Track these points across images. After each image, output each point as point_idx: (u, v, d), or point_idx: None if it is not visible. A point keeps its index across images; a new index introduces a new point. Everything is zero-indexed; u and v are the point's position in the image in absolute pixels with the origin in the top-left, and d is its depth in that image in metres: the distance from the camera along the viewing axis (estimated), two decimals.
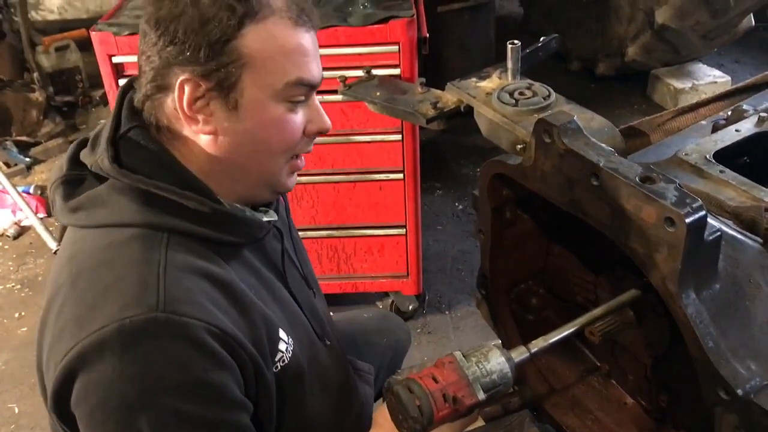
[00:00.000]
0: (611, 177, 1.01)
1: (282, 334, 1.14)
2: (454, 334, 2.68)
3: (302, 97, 1.10)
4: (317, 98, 1.17)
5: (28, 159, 4.12)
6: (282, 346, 1.13)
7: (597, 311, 1.18)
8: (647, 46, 4.07)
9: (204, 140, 1.07)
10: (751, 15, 4.06)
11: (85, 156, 1.10)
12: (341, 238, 2.46)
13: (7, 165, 3.99)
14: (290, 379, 1.16)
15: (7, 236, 3.55)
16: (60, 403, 0.98)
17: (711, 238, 0.96)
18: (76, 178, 1.11)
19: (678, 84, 4.19)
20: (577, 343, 1.52)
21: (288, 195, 1.41)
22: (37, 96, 4.22)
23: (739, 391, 0.94)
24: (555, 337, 1.16)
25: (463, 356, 1.07)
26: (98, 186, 1.07)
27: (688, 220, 0.91)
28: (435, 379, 1.03)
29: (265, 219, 1.17)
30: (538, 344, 1.14)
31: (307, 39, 1.09)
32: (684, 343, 1.04)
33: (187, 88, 1.03)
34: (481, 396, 1.04)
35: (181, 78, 1.02)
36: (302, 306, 1.27)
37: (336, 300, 2.47)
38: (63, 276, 1.04)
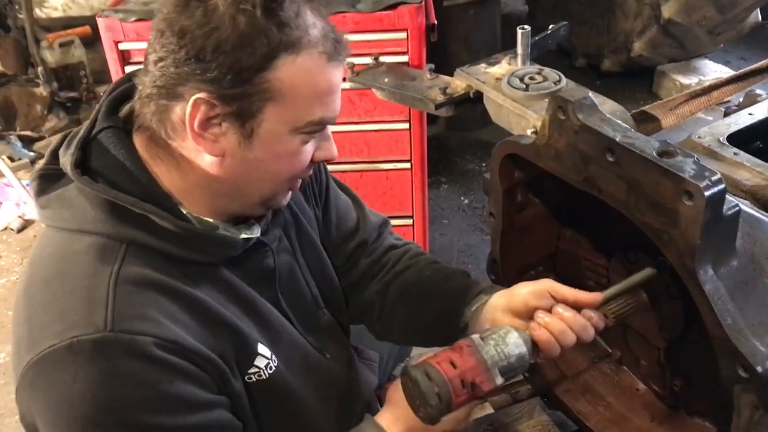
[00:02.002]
0: (628, 152, 1.00)
1: (262, 349, 1.12)
2: None
3: (319, 132, 1.07)
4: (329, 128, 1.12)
5: (32, 153, 4.11)
6: (260, 362, 1.11)
7: (611, 291, 1.16)
8: (653, 42, 4.05)
9: (208, 160, 1.02)
10: (758, 10, 4.04)
11: (61, 153, 1.06)
12: None
13: (11, 159, 3.99)
14: (272, 394, 1.14)
15: (11, 229, 3.54)
16: (29, 424, 0.99)
17: (730, 213, 0.95)
18: (54, 173, 1.06)
19: (684, 80, 4.17)
20: None
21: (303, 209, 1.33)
22: (42, 91, 4.21)
23: (759, 368, 0.93)
24: None
25: (481, 339, 1.04)
26: (71, 185, 1.03)
27: (707, 193, 0.90)
28: (453, 364, 1.01)
29: (242, 236, 1.11)
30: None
31: (338, 75, 1.04)
32: (698, 326, 1.03)
33: (201, 108, 0.97)
34: (500, 381, 1.02)
35: (197, 96, 0.96)
36: (295, 323, 1.23)
37: None
38: (23, 281, 1.04)
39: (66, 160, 1.02)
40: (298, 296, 1.25)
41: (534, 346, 1.07)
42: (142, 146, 1.05)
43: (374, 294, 1.41)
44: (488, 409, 1.63)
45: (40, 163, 1.10)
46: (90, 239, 1.00)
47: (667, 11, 3.82)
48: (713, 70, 4.23)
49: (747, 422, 0.98)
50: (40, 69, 4.29)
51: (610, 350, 1.47)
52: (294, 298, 1.24)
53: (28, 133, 4.16)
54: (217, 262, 1.09)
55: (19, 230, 3.53)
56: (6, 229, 3.56)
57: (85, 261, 0.98)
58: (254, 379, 1.11)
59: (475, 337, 1.05)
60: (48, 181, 1.07)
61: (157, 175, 1.04)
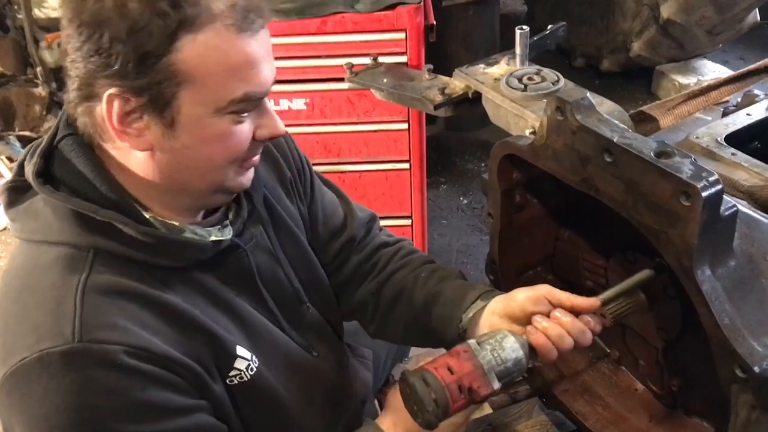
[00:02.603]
0: (625, 152, 1.00)
1: (241, 351, 1.10)
2: None
3: (249, 109, 1.01)
4: (268, 102, 1.06)
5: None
6: (241, 364, 1.10)
7: (607, 293, 1.16)
8: (652, 42, 4.05)
9: (139, 156, 0.99)
10: (757, 11, 4.05)
11: (26, 164, 1.03)
12: None
13: (10, 159, 3.99)
14: (254, 396, 1.13)
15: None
16: None
17: (727, 213, 0.95)
18: (23, 186, 1.04)
19: (683, 80, 4.17)
20: None
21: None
22: (41, 91, 4.21)
23: (756, 369, 0.93)
24: None
25: (478, 344, 1.04)
26: (37, 197, 1.02)
27: (704, 194, 0.90)
28: (450, 370, 1.00)
29: (212, 239, 1.08)
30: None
31: (255, 45, 0.97)
32: (697, 325, 1.03)
33: (115, 103, 0.93)
34: (497, 386, 1.02)
35: (109, 92, 0.92)
36: (281, 320, 1.22)
37: None
38: None
39: (29, 170, 1.01)
40: (280, 293, 1.23)
41: (531, 350, 1.07)
42: (104, 155, 1.02)
43: (367, 294, 1.40)
44: (487, 410, 1.64)
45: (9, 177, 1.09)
46: (57, 250, 0.98)
47: (665, 11, 3.83)
48: (712, 70, 4.24)
49: (744, 422, 0.98)
50: (39, 69, 4.29)
51: (608, 350, 1.47)
52: (276, 295, 1.22)
53: (27, 133, 4.16)
54: (186, 266, 1.06)
55: None
56: (5, 229, 3.57)
57: (53, 272, 0.97)
58: (236, 382, 1.10)
59: (472, 342, 1.04)
60: (17, 193, 1.05)
61: (120, 180, 1.02)
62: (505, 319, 1.15)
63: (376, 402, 1.63)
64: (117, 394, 0.93)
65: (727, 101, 1.64)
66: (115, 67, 0.90)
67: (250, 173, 1.10)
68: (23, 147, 4.11)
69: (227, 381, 1.09)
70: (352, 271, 1.41)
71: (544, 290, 1.13)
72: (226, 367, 1.08)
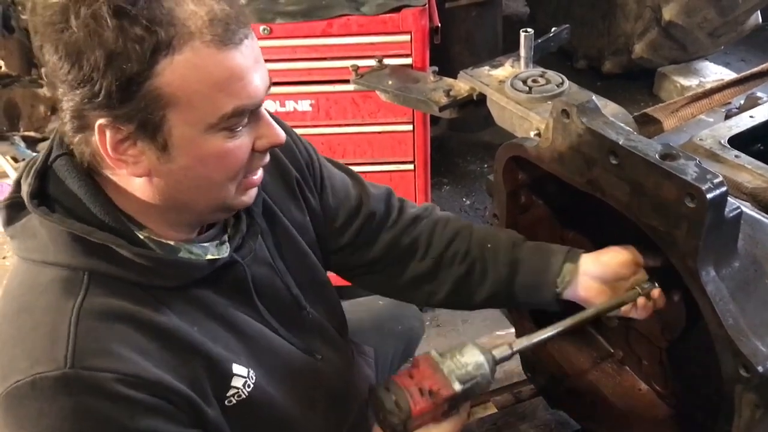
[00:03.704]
0: (631, 155, 1.01)
1: (237, 369, 1.09)
2: (462, 326, 2.68)
3: (244, 123, 0.99)
4: (265, 111, 1.04)
5: (35, 154, 4.09)
6: (237, 382, 1.09)
7: (587, 312, 1.20)
8: (654, 44, 4.06)
9: (137, 182, 0.98)
10: (758, 13, 4.06)
11: (22, 183, 1.01)
12: None
13: (15, 160, 4.01)
14: (253, 412, 1.12)
15: None
16: None
17: (731, 214, 0.97)
18: (20, 202, 1.02)
19: (685, 82, 4.18)
20: (591, 330, 1.52)
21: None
22: (45, 92, 4.22)
23: (760, 368, 0.94)
24: (539, 336, 1.17)
25: (439, 354, 1.09)
26: (33, 214, 1.00)
27: (709, 195, 0.91)
28: (411, 376, 1.05)
29: (208, 257, 1.07)
30: (521, 342, 1.15)
31: (239, 57, 0.94)
32: (701, 325, 1.04)
33: (107, 133, 0.91)
34: (458, 387, 1.05)
35: (99, 122, 0.91)
36: (279, 329, 1.21)
37: (345, 291, 2.46)
38: None
39: (24, 190, 1.00)
40: (279, 303, 1.22)
41: (493, 358, 1.10)
42: (98, 175, 1.01)
43: (424, 272, 1.37)
44: (492, 409, 1.65)
45: (7, 194, 1.07)
46: (53, 271, 0.98)
47: (667, 13, 3.84)
48: (714, 72, 4.25)
49: (748, 421, 0.99)
50: (43, 70, 4.30)
51: (612, 350, 1.49)
52: (274, 305, 1.21)
53: (32, 133, 4.17)
54: (183, 285, 1.05)
55: None
56: None
57: (49, 295, 0.97)
58: (234, 402, 1.09)
59: (433, 351, 1.09)
60: (15, 209, 1.04)
61: (115, 200, 1.01)
62: (600, 282, 1.23)
63: None
64: (108, 422, 0.93)
65: (730, 103, 1.65)
66: (100, 98, 0.89)
67: (254, 191, 1.09)
68: (28, 147, 4.12)
69: (225, 402, 1.08)
70: (387, 248, 1.38)
71: (632, 254, 1.21)
72: (223, 388, 1.07)
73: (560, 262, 1.27)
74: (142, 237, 1.02)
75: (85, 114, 0.91)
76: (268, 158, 1.07)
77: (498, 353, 1.10)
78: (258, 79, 0.97)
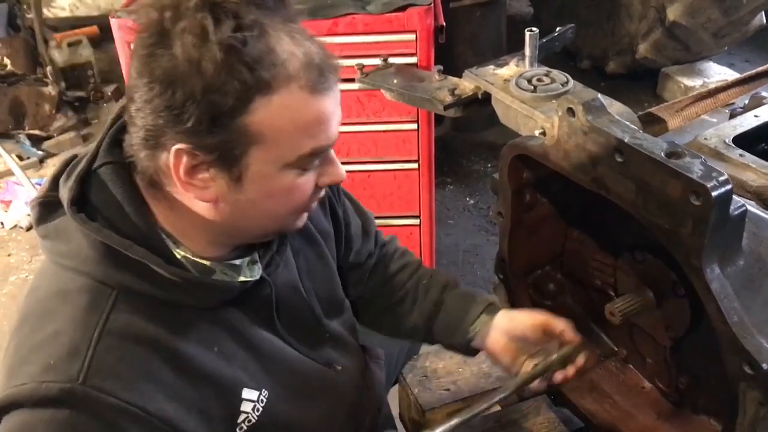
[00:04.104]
0: (636, 153, 1.01)
1: (247, 393, 1.08)
2: None
3: (316, 163, 1.01)
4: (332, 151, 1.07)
5: (40, 152, 4.14)
6: (246, 407, 1.08)
7: (536, 370, 1.26)
8: (658, 44, 4.07)
9: (201, 206, 0.99)
10: (763, 13, 4.06)
11: (61, 183, 1.02)
12: None
13: (20, 158, 4.03)
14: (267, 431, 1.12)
15: (20, 227, 3.58)
16: None
17: (736, 212, 0.97)
18: (54, 201, 1.03)
19: (688, 82, 4.19)
20: (594, 328, 1.52)
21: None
22: (50, 90, 4.25)
23: (764, 365, 0.95)
24: (463, 416, 1.19)
25: None
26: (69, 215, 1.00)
27: (714, 193, 0.92)
28: None
29: (240, 279, 1.07)
30: (442, 424, 1.17)
31: (327, 103, 0.97)
32: (704, 324, 1.05)
33: (184, 158, 0.92)
34: None
35: (177, 147, 0.91)
36: (300, 345, 1.21)
37: None
38: (20, 310, 1.02)
39: (64, 194, 0.99)
40: (299, 319, 1.22)
41: None
42: (142, 186, 1.01)
43: (374, 289, 1.47)
44: (495, 406, 1.65)
45: (41, 189, 1.07)
46: (83, 281, 0.98)
47: (671, 13, 3.84)
48: (717, 73, 4.25)
49: (752, 419, 0.99)
50: (48, 68, 4.32)
51: (616, 348, 1.49)
52: (295, 322, 1.20)
53: (37, 131, 4.20)
54: (211, 307, 1.06)
55: (28, 228, 3.56)
56: (15, 227, 3.59)
57: (76, 305, 0.96)
58: (245, 428, 1.09)
59: None
60: (48, 208, 1.03)
61: (156, 214, 1.01)
62: (508, 338, 1.31)
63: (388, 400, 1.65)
64: None
65: (734, 103, 1.66)
66: (187, 125, 0.89)
67: (305, 216, 1.10)
68: (33, 145, 4.14)
69: (237, 430, 1.08)
70: (358, 279, 1.48)
71: (544, 319, 1.28)
72: (234, 415, 1.07)
73: (478, 311, 1.36)
74: (178, 256, 1.02)
75: (162, 135, 0.92)
76: (322, 193, 1.09)
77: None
78: (336, 122, 1.01)
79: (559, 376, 1.27)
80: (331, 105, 0.98)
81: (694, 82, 4.17)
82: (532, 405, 1.57)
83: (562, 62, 4.44)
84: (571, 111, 1.11)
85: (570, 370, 1.27)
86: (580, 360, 1.27)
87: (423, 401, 1.63)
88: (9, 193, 3.71)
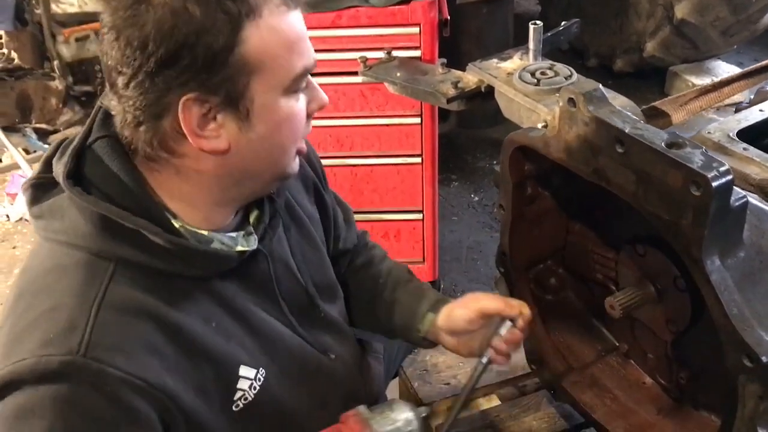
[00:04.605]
0: (637, 143, 1.00)
1: (244, 371, 1.08)
2: None
3: (305, 84, 1.04)
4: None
5: (47, 146, 4.16)
6: (243, 384, 1.08)
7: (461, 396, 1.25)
8: (666, 42, 4.05)
9: (212, 162, 1.00)
10: None
11: (54, 162, 1.02)
12: (358, 221, 2.46)
13: (27, 151, 4.05)
14: (260, 413, 1.12)
15: (26, 220, 3.60)
16: None
17: (737, 204, 0.96)
18: (47, 182, 1.03)
19: (697, 80, 4.17)
20: (595, 323, 1.52)
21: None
22: (57, 85, 4.26)
23: (764, 358, 0.94)
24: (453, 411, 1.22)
25: (369, 409, 1.12)
26: (63, 194, 1.00)
27: (714, 184, 0.91)
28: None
29: (238, 248, 1.08)
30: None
31: (299, 19, 1.01)
32: (705, 319, 1.04)
33: (193, 108, 0.93)
34: None
35: (185, 98, 0.92)
36: (297, 327, 1.21)
37: None
38: (12, 290, 1.01)
39: (59, 170, 1.00)
40: (295, 298, 1.23)
41: (420, 415, 1.14)
42: (138, 161, 1.02)
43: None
44: (495, 401, 1.65)
45: (34, 171, 1.08)
46: (79, 255, 0.97)
47: (680, 12, 3.82)
48: (726, 71, 4.23)
49: (752, 412, 0.99)
50: (55, 63, 4.33)
51: (617, 343, 1.48)
52: (291, 300, 1.21)
53: (44, 125, 4.22)
54: (210, 277, 1.06)
55: None
56: (21, 219, 3.61)
57: (72, 279, 0.96)
58: (241, 406, 1.09)
59: (362, 407, 1.13)
60: (41, 190, 1.04)
61: (153, 186, 1.02)
62: (454, 336, 1.32)
63: (387, 395, 1.64)
64: (94, 422, 0.92)
65: (741, 102, 1.64)
66: (189, 73, 0.91)
67: (298, 160, 1.12)
68: (39, 139, 4.16)
69: (233, 407, 1.08)
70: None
71: (477, 307, 1.28)
72: (230, 392, 1.07)
73: (424, 310, 1.36)
74: (177, 225, 1.02)
75: (164, 97, 0.93)
76: (311, 127, 1.11)
77: (424, 410, 1.16)
78: (309, 42, 1.03)
79: (503, 348, 1.26)
80: (303, 23, 1.02)
81: (703, 81, 4.14)
82: (533, 400, 1.57)
83: (569, 60, 4.39)
84: (572, 101, 1.10)
85: (516, 334, 1.28)
86: (521, 323, 1.27)
87: (423, 395, 1.63)
88: (15, 187, 3.73)
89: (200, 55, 0.90)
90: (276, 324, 1.17)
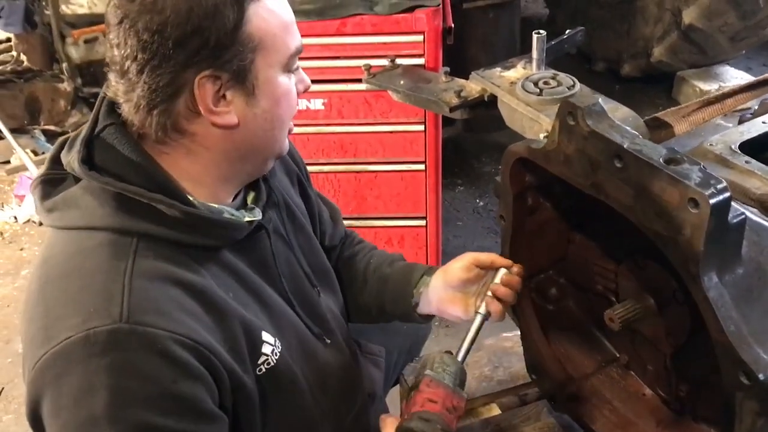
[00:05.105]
0: (635, 158, 1.00)
1: (266, 336, 1.12)
2: None
3: (296, 66, 1.12)
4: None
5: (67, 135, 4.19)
6: (266, 349, 1.12)
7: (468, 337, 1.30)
8: (673, 47, 4.03)
9: (223, 137, 1.06)
10: None
11: (63, 155, 1.07)
12: (361, 228, 2.47)
13: (35, 153, 4.07)
14: (278, 381, 1.15)
15: (33, 222, 3.62)
16: (37, 421, 0.98)
17: (735, 221, 0.95)
18: (56, 178, 1.08)
19: (704, 86, 4.14)
20: (596, 333, 1.51)
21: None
22: (66, 87, 4.29)
23: (761, 376, 0.93)
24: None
25: (432, 371, 1.16)
26: (74, 186, 1.05)
27: (712, 201, 0.91)
28: (433, 401, 1.12)
29: (247, 219, 1.14)
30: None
31: (289, 7, 1.10)
32: (705, 332, 1.03)
33: (207, 85, 1.01)
34: (465, 395, 1.15)
35: (200, 76, 1.00)
36: (296, 306, 1.25)
37: None
38: (34, 282, 1.04)
39: (72, 159, 1.04)
40: (293, 277, 1.27)
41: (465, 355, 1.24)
42: (147, 145, 1.07)
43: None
44: (495, 411, 1.65)
45: (41, 169, 1.12)
46: (101, 235, 1.01)
47: (687, 17, 3.80)
48: (734, 77, 4.20)
49: (748, 429, 0.98)
50: (64, 65, 4.36)
51: (617, 354, 1.48)
52: (291, 279, 1.25)
53: (52, 127, 4.24)
54: (223, 246, 1.10)
55: (41, 223, 3.60)
56: (29, 221, 3.63)
57: (99, 256, 0.99)
58: (264, 370, 1.12)
59: (429, 372, 1.16)
60: (51, 185, 1.08)
61: (164, 167, 1.06)
62: (448, 289, 1.36)
63: (386, 401, 1.64)
64: (151, 382, 0.95)
65: (749, 108, 1.63)
66: (205, 51, 0.98)
67: (287, 141, 1.20)
68: (48, 141, 4.18)
69: (257, 371, 1.11)
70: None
71: (471, 257, 1.36)
72: (255, 355, 1.11)
73: (419, 275, 1.42)
74: (191, 199, 1.08)
75: (182, 75, 0.99)
76: (297, 108, 1.19)
77: (460, 357, 1.23)
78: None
79: (501, 291, 1.32)
80: (290, 7, 1.11)
81: (710, 86, 4.12)
82: (532, 410, 1.56)
83: (576, 64, 4.42)
84: (571, 115, 1.10)
85: (513, 278, 1.33)
86: (516, 270, 1.34)
87: None
88: (23, 188, 3.76)
89: (213, 34, 0.98)
90: (280, 300, 1.21)
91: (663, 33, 4.04)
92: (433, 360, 1.17)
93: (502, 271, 1.33)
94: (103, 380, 0.93)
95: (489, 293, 1.31)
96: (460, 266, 1.34)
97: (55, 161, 1.09)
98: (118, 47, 0.99)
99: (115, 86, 1.04)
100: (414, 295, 1.40)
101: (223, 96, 1.03)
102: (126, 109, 1.03)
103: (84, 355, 0.93)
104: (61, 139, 1.11)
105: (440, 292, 1.37)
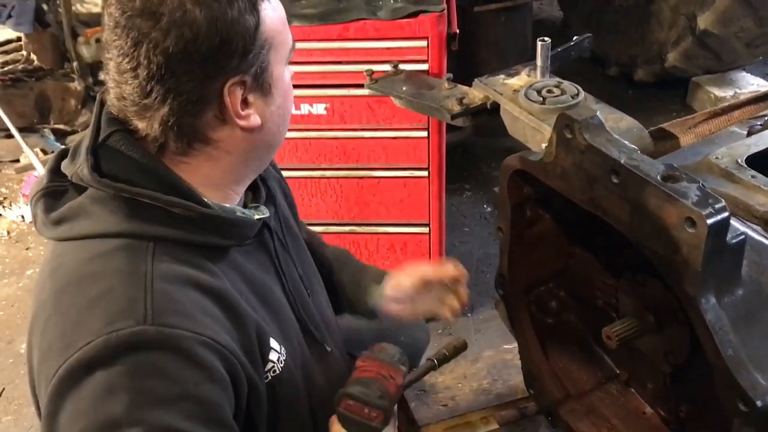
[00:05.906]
0: (632, 175, 0.98)
1: (273, 343, 1.11)
2: (475, 336, 2.64)
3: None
4: None
5: (63, 147, 4.20)
6: (273, 356, 1.10)
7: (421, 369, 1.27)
8: (688, 53, 3.96)
9: (244, 137, 1.05)
10: None
11: (65, 166, 1.05)
12: (364, 234, 2.44)
13: (44, 152, 4.08)
14: (283, 390, 1.13)
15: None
16: (54, 426, 0.94)
17: (734, 241, 0.92)
18: (58, 190, 1.06)
19: (719, 92, 4.07)
20: (596, 349, 1.49)
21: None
22: (76, 86, 4.30)
23: (759, 403, 0.90)
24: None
25: (370, 350, 1.20)
26: (79, 197, 1.02)
27: (709, 222, 0.88)
28: (367, 371, 1.15)
29: (256, 217, 1.14)
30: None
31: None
32: (704, 353, 1.00)
33: (237, 90, 1.00)
34: (403, 368, 1.17)
35: (230, 83, 0.99)
36: (297, 309, 1.24)
37: None
38: (45, 292, 1.01)
39: (80, 168, 1.01)
40: (293, 279, 1.25)
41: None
42: (165, 155, 1.04)
43: None
44: (493, 425, 1.62)
45: (39, 183, 1.08)
46: (115, 242, 0.99)
47: (703, 22, 3.74)
48: (750, 83, 4.13)
49: None
50: (75, 64, 4.37)
51: (617, 370, 1.45)
52: (291, 281, 1.24)
53: (62, 126, 4.25)
54: (232, 247, 1.09)
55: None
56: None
57: (116, 260, 0.98)
58: (270, 377, 1.10)
59: (366, 352, 1.20)
60: (53, 197, 1.05)
61: (182, 176, 1.04)
62: (399, 303, 1.43)
63: None
64: (174, 383, 0.92)
65: (766, 116, 1.57)
66: (233, 58, 0.98)
67: None
68: (57, 140, 4.20)
69: (265, 378, 1.09)
70: None
71: (419, 275, 1.41)
72: (264, 361, 1.09)
73: (367, 284, 1.47)
74: (205, 200, 1.06)
75: (210, 89, 0.98)
76: None
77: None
78: None
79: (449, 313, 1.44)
80: None
81: (725, 93, 4.05)
82: (529, 427, 1.53)
83: (590, 69, 4.36)
84: (568, 128, 1.07)
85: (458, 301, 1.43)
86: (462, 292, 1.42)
87: (420, 416, 1.61)
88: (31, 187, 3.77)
89: (240, 41, 0.98)
90: (285, 303, 1.20)
91: (677, 38, 3.98)
92: (372, 348, 1.22)
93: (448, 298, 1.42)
94: (125, 382, 0.90)
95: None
96: (410, 285, 1.41)
97: (55, 173, 1.06)
98: (134, 69, 0.96)
99: (120, 105, 1.01)
100: (369, 303, 1.48)
101: (247, 98, 1.03)
102: (141, 126, 1.01)
103: (106, 358, 0.90)
104: (57, 152, 1.09)
105: (391, 303, 1.45)
